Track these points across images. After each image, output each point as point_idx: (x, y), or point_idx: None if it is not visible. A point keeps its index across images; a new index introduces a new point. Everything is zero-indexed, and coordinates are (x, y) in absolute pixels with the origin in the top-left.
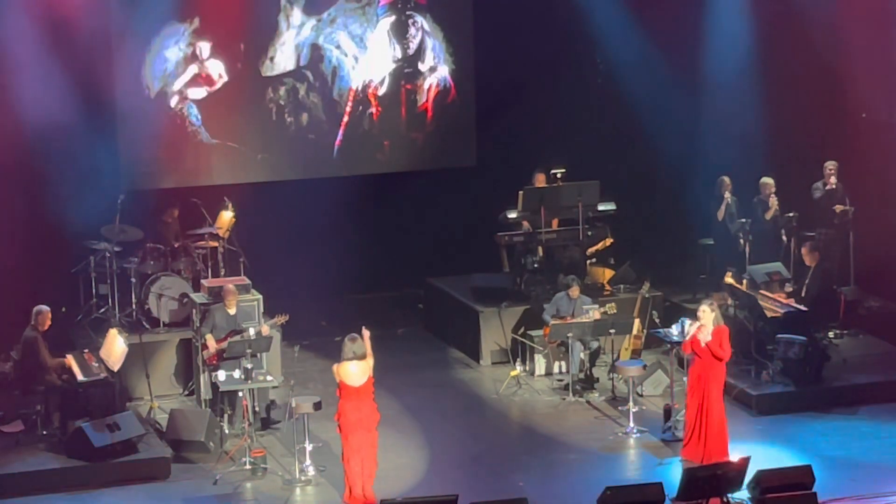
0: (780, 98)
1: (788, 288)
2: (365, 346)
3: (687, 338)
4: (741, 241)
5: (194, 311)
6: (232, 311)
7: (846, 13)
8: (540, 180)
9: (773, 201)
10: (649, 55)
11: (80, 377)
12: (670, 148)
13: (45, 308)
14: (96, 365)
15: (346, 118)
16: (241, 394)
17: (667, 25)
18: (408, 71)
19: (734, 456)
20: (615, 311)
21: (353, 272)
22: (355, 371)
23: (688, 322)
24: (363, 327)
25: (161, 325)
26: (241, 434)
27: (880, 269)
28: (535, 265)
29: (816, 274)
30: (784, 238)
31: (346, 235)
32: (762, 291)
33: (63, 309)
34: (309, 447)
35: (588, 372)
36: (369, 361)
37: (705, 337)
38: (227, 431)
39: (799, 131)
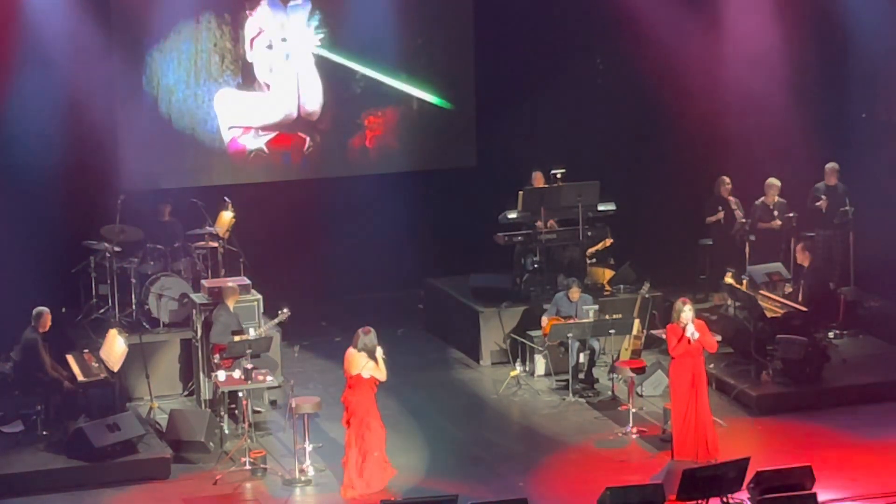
0: (779, 97)
1: (788, 288)
2: (376, 342)
3: (693, 339)
4: (741, 241)
5: (194, 311)
6: (231, 310)
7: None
8: (538, 179)
9: (777, 220)
10: (648, 54)
11: (80, 377)
12: (670, 147)
13: (44, 309)
14: (96, 365)
15: (348, 121)
16: (241, 394)
17: (669, 25)
18: (409, 73)
19: (734, 456)
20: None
21: (353, 272)
22: (358, 361)
23: (690, 327)
24: (379, 348)
25: (161, 325)
26: (241, 434)
27: (880, 269)
28: (535, 265)
29: (809, 274)
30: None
31: (346, 235)
32: (762, 291)
33: (63, 309)
34: (309, 447)
35: (587, 372)
36: (375, 366)
37: (694, 333)
38: (226, 431)
39: (798, 131)
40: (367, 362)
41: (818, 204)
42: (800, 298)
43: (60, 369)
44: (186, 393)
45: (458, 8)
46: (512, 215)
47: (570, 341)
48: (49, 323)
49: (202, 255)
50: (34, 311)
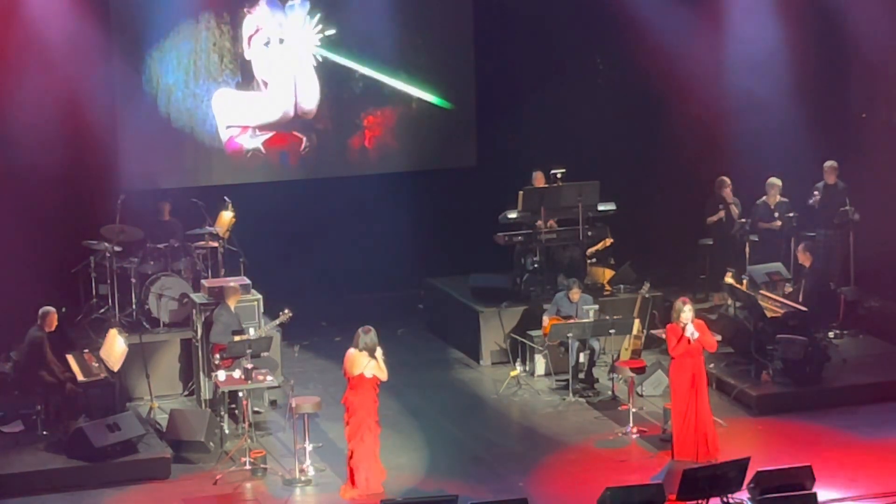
0: (780, 97)
1: (788, 288)
2: (376, 341)
3: (693, 339)
4: (741, 241)
5: (194, 311)
6: (233, 310)
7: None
8: (539, 179)
9: (777, 220)
10: (647, 54)
11: (80, 377)
12: (670, 148)
13: (51, 309)
14: (96, 365)
15: (347, 121)
16: (241, 394)
17: (669, 25)
18: (409, 73)
19: (734, 456)
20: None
21: (353, 272)
22: (360, 361)
23: (690, 327)
24: (379, 348)
25: (161, 325)
26: (241, 434)
27: (880, 269)
28: (535, 265)
29: (809, 274)
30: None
31: (346, 235)
32: (762, 291)
33: (63, 309)
34: (309, 447)
35: (588, 372)
36: (376, 365)
37: (694, 333)
38: (226, 431)
39: (798, 131)
40: (368, 361)
41: (811, 202)
42: (800, 298)
43: (64, 369)
44: (186, 393)
45: (458, 8)
46: (512, 215)
47: (570, 341)
48: (55, 322)
49: (202, 255)
50: (40, 311)
